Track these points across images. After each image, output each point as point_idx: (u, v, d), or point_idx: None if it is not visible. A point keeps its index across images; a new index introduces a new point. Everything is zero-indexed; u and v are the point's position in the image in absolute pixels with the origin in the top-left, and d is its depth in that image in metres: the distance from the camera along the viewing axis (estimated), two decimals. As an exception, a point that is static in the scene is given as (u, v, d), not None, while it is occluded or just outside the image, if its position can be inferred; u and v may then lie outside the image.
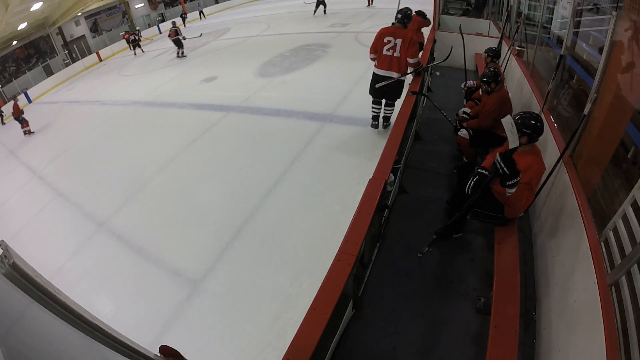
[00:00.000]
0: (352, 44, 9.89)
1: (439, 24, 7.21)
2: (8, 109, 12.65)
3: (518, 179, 2.17)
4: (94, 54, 18.51)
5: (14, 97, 10.70)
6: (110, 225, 4.70)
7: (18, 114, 10.23)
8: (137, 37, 16.73)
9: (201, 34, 14.97)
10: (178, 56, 12.91)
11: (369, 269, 2.73)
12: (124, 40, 17.88)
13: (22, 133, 10.11)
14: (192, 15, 22.98)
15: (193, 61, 11.94)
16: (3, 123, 13.32)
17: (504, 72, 4.99)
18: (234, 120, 6.78)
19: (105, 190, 5.55)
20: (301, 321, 1.86)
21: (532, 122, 2.24)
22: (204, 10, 23.73)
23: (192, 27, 20.16)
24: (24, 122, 10.11)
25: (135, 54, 16.47)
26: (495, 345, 1.65)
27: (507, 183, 2.17)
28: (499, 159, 2.15)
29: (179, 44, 12.78)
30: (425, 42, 5.95)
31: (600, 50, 2.34)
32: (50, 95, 14.73)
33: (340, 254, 2.19)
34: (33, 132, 10.06)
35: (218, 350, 2.86)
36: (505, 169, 2.13)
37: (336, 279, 2.04)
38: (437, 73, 6.32)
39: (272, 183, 4.61)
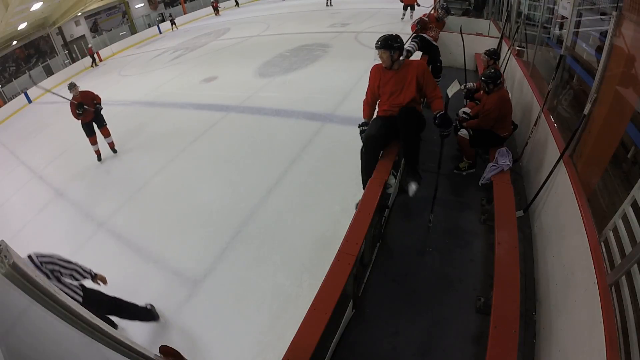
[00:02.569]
0: (352, 44, 9.89)
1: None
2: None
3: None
4: (94, 54, 18.51)
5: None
6: (110, 225, 4.70)
7: None
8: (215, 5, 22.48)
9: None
10: (327, 5, 16.66)
11: (369, 269, 2.73)
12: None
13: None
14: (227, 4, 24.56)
15: (193, 61, 11.94)
16: (96, 65, 17.44)
17: (503, 72, 4.99)
18: (234, 120, 6.78)
19: (105, 190, 5.55)
20: (301, 321, 1.86)
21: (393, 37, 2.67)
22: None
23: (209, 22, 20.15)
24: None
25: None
26: (495, 345, 1.65)
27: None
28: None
29: None
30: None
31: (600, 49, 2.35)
32: (51, 95, 14.69)
33: (340, 254, 2.19)
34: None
35: (218, 350, 2.86)
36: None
37: (336, 279, 2.04)
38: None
39: (272, 183, 4.61)
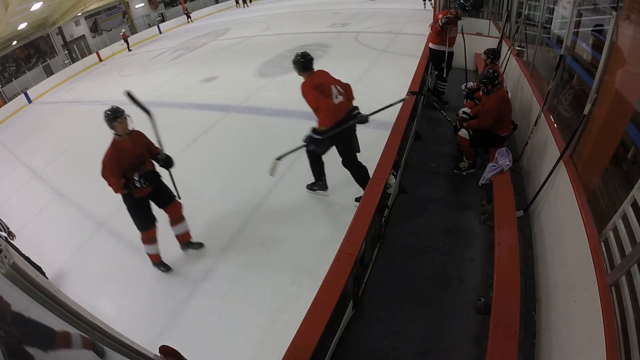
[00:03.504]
0: (352, 44, 9.87)
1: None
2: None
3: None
4: (94, 54, 18.53)
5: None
6: (110, 225, 4.70)
7: None
8: None
9: None
10: None
11: (369, 269, 2.73)
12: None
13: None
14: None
15: (193, 61, 11.95)
16: (129, 50, 18.07)
17: (504, 72, 5.00)
18: (234, 120, 6.78)
19: (105, 190, 5.53)
20: (301, 321, 1.86)
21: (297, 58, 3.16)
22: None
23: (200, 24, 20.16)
24: None
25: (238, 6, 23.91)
26: (495, 345, 1.65)
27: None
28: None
29: None
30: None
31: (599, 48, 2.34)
32: (50, 95, 14.71)
33: (340, 254, 2.20)
34: None
35: (218, 350, 2.86)
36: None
37: (336, 279, 2.05)
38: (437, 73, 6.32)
39: (272, 183, 4.61)
